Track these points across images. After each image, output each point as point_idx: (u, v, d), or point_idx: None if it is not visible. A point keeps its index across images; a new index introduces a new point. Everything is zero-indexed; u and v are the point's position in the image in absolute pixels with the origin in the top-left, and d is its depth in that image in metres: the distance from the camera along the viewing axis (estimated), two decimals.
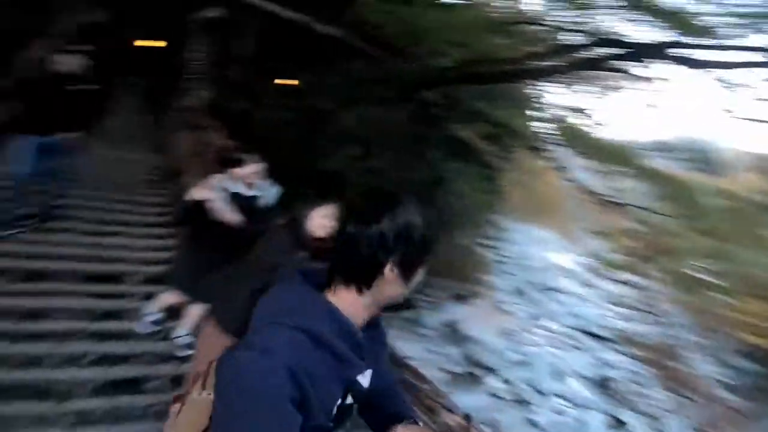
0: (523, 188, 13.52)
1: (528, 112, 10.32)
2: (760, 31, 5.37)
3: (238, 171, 2.86)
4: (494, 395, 11.90)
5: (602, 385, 10.93)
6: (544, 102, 8.69)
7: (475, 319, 11.82)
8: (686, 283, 9.65)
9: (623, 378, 13.02)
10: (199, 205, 2.72)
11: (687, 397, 11.00)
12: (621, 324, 18.44)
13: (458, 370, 10.57)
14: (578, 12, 6.12)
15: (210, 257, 2.80)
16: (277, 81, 8.82)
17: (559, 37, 6.75)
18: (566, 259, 25.58)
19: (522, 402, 10.42)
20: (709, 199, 7.60)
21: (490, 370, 12.46)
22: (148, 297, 3.49)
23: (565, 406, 9.97)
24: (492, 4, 8.01)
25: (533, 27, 7.05)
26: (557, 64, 6.67)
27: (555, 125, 8.59)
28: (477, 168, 12.39)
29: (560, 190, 15.13)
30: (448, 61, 7.34)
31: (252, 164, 2.90)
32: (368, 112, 7.86)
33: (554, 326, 14.50)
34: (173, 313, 3.29)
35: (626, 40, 6.26)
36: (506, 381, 11.99)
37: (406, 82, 7.70)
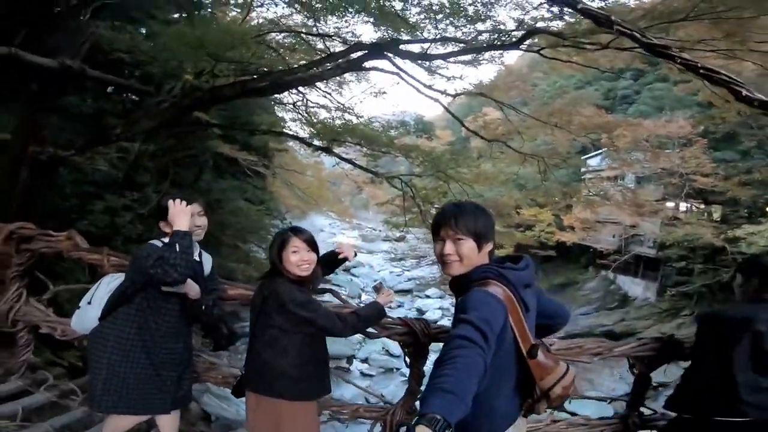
0: (291, 185, 14.50)
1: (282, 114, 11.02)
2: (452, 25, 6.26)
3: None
4: (365, 374, 12.94)
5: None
6: (304, 103, 9.20)
7: None
8: None
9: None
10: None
11: None
12: (414, 273, 22.56)
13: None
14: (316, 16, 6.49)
15: (164, 346, 2.21)
16: None
17: (310, 42, 7.15)
18: (350, 236, 28.47)
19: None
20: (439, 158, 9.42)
21: (350, 356, 13.51)
22: None
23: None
24: (228, 16, 8.13)
25: (282, 35, 7.31)
26: (320, 70, 7.05)
27: (318, 123, 9.16)
28: (246, 180, 13.10)
29: (325, 180, 16.77)
30: (212, 79, 7.11)
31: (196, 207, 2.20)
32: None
33: (366, 297, 16.50)
34: None
35: (373, 42, 6.90)
36: (365, 360, 13.15)
37: (182, 106, 7.01)
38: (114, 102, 9.19)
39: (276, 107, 12.10)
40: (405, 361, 2.66)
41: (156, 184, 9.88)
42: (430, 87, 7.84)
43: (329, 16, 6.24)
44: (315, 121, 9.21)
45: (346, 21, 6.47)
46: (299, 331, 2.06)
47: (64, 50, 6.09)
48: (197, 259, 2.33)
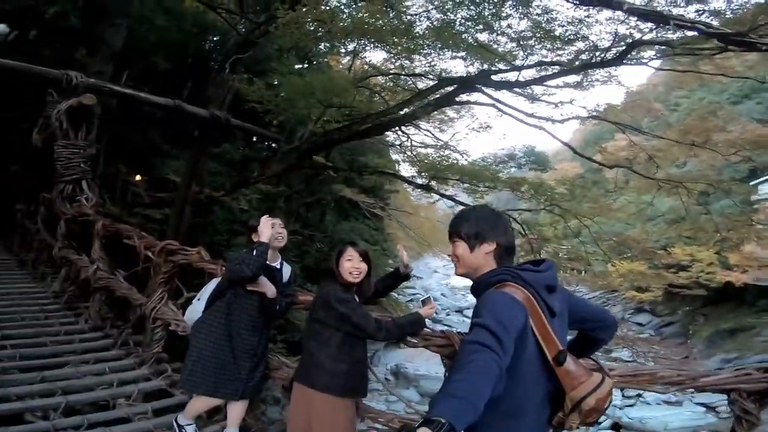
0: (405, 227, 14.35)
1: (396, 157, 11.34)
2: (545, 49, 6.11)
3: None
4: None
5: None
6: (409, 143, 9.50)
7: (415, 357, 12.10)
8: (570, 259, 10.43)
9: None
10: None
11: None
12: None
13: (424, 408, 10.81)
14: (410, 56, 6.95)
15: (243, 338, 2.64)
16: (137, 176, 9.11)
17: (408, 82, 7.64)
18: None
19: None
20: (552, 190, 8.58)
21: None
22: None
23: None
24: (338, 65, 9.03)
25: (384, 78, 7.94)
26: (415, 107, 7.46)
27: (422, 162, 9.31)
28: (365, 222, 13.49)
29: (436, 221, 16.13)
30: (328, 124, 7.97)
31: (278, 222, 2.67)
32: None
33: None
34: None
35: (462, 75, 7.12)
36: None
37: (302, 151, 8.23)
38: (257, 149, 10.92)
39: (390, 150, 12.95)
40: (444, 375, 2.59)
41: (287, 223, 11.35)
42: (532, 115, 7.63)
43: (419, 56, 6.62)
44: (417, 159, 9.59)
45: (436, 58, 6.80)
46: (339, 328, 2.26)
47: (214, 101, 7.65)
48: (278, 266, 2.74)
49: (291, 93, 7.10)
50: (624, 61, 5.59)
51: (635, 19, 4.46)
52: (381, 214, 14.73)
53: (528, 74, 6.94)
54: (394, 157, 13.42)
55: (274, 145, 11.01)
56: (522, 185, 9.11)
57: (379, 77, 8.08)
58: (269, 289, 2.57)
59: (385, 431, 2.68)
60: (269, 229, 2.50)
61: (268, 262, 2.57)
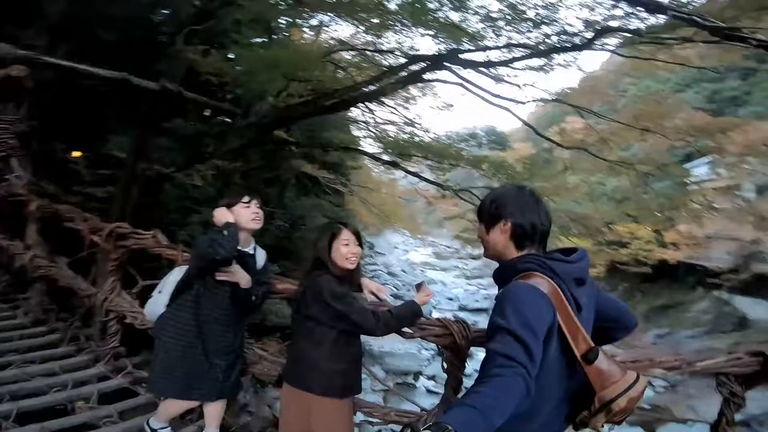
0: (367, 203, 14.44)
1: (357, 133, 11.28)
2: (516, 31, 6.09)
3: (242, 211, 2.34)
4: (431, 391, 12.53)
5: None
6: (373, 119, 9.39)
7: None
8: None
9: None
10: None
11: None
12: (490, 292, 20.99)
13: (390, 383, 11.05)
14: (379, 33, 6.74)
15: (216, 334, 2.40)
16: (75, 153, 8.40)
17: (376, 57, 7.43)
18: (423, 253, 27.43)
19: None
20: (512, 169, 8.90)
21: (417, 373, 13.04)
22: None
23: None
24: (302, 38, 8.71)
25: (350, 54, 7.68)
26: (384, 84, 7.28)
27: (386, 138, 9.25)
28: (326, 198, 13.43)
29: (398, 196, 16.47)
30: (290, 98, 7.68)
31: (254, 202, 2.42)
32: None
33: (438, 315, 15.91)
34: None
35: (431, 54, 6.99)
36: (432, 377, 12.71)
37: (262, 125, 7.82)
38: (210, 124, 10.27)
39: (351, 126, 12.70)
40: (442, 366, 2.42)
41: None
42: (497, 96, 7.66)
43: (389, 33, 6.41)
44: (383, 136, 9.45)
45: (406, 35, 6.60)
46: (334, 326, 2.06)
47: (166, 74, 7.01)
48: (251, 252, 2.47)
49: (252, 66, 6.64)
50: (592, 47, 5.69)
51: (611, 5, 4.54)
52: (342, 190, 14.49)
53: (495, 56, 6.96)
54: (356, 133, 13.19)
55: (228, 120, 10.42)
56: (484, 163, 9.26)
57: (344, 52, 7.76)
58: (242, 277, 2.33)
59: (381, 425, 2.60)
60: (227, 214, 2.29)
61: (240, 247, 2.32)
